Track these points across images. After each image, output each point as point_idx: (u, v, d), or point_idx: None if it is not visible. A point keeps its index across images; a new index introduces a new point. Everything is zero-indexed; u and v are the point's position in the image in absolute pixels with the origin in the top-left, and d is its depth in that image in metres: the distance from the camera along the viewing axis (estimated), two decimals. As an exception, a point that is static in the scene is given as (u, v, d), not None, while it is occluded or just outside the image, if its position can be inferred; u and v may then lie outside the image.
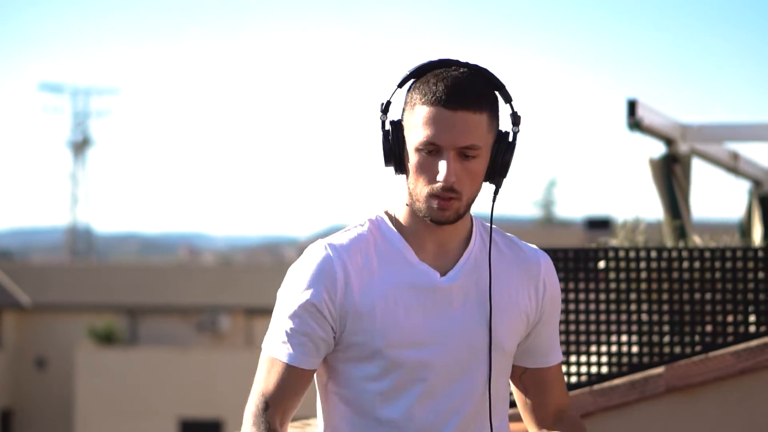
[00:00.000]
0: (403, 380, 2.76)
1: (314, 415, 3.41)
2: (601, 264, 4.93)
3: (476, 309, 2.81)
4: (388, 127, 2.79)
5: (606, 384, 4.80)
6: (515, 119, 2.79)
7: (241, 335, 36.52)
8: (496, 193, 2.80)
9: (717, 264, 4.81)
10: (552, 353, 2.95)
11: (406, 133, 2.77)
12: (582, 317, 4.91)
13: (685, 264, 4.84)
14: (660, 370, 4.73)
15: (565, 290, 4.92)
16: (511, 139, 2.79)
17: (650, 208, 6.74)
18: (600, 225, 36.52)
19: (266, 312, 34.72)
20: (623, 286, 4.91)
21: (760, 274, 4.77)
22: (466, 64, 2.77)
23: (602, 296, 4.91)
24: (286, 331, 2.77)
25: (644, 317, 4.88)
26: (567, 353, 4.96)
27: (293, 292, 2.79)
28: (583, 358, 4.95)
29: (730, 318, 4.81)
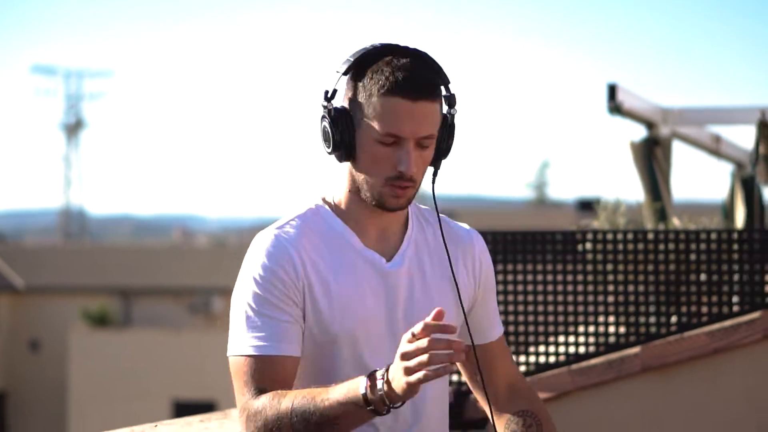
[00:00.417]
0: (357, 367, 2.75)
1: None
2: (581, 247, 5.02)
3: (422, 292, 2.84)
4: (334, 114, 2.74)
5: (584, 363, 4.90)
6: (453, 101, 2.80)
7: (235, 317, 36.55)
8: (435, 175, 2.83)
9: (692, 246, 4.90)
10: (494, 328, 3.00)
11: (357, 121, 2.74)
12: (560, 298, 5.00)
13: (661, 246, 4.93)
14: (636, 349, 4.83)
15: (544, 272, 5.01)
16: (451, 122, 2.82)
17: (636, 189, 6.84)
18: (591, 206, 36.46)
19: (259, 294, 34.76)
20: (600, 267, 5.00)
21: (735, 256, 4.87)
22: (411, 50, 2.77)
23: (580, 278, 5.00)
24: (260, 322, 2.70)
25: (621, 299, 4.97)
26: (546, 334, 5.06)
27: (255, 282, 2.72)
28: (562, 339, 5.05)
29: (706, 299, 4.90)
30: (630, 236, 4.98)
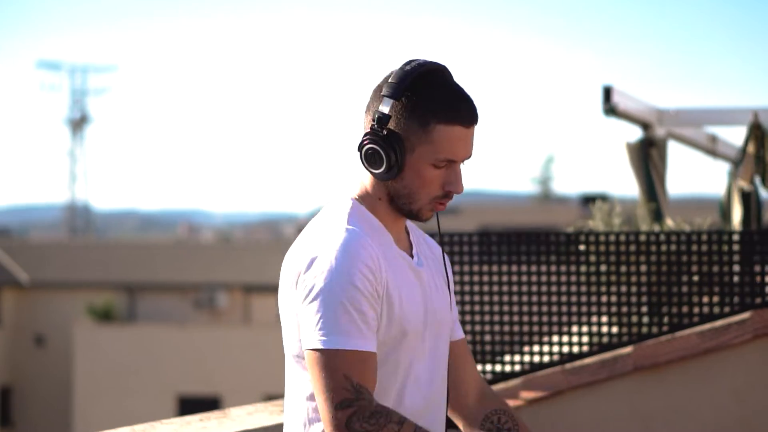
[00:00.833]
0: (405, 364, 2.88)
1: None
2: (575, 248, 5.09)
3: (435, 289, 2.99)
4: (390, 139, 2.81)
5: (577, 363, 4.97)
6: None
7: (239, 312, 36.65)
8: None
9: (683, 247, 4.96)
10: (458, 328, 3.13)
11: (411, 145, 2.81)
12: (554, 298, 5.07)
13: (653, 247, 4.99)
14: (628, 349, 4.90)
15: (538, 272, 5.08)
16: None
17: (634, 187, 6.90)
18: (595, 202, 36.49)
19: (264, 289, 34.88)
20: (593, 268, 5.07)
21: (725, 257, 4.93)
22: (448, 70, 2.86)
23: (573, 278, 5.07)
24: (359, 319, 2.75)
25: (614, 299, 5.03)
26: (540, 333, 5.13)
27: (349, 279, 2.75)
28: (555, 338, 5.12)
29: (697, 300, 4.97)
30: (623, 237, 5.05)
